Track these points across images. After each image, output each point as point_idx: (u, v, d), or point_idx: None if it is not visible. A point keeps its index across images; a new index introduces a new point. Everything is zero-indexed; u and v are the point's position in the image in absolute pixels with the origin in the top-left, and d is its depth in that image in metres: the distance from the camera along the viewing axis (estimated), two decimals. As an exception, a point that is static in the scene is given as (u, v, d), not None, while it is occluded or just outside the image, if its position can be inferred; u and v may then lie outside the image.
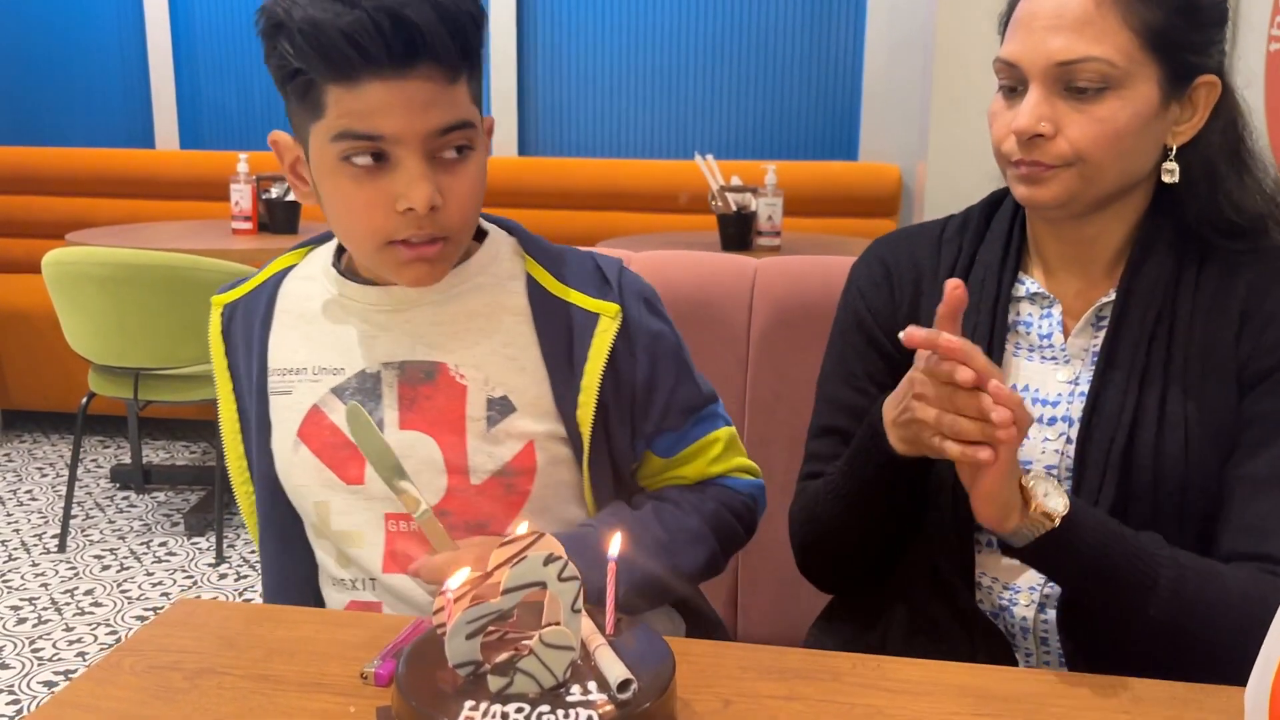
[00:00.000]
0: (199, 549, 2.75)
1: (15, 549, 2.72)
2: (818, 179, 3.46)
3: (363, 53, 0.81)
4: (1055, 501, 0.83)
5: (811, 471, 1.04)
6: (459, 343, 0.96)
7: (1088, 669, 0.80)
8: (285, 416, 0.97)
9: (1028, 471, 0.86)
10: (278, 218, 2.96)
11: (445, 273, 0.94)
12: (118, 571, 2.61)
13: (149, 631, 0.80)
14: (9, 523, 2.89)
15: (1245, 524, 0.87)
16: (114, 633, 2.31)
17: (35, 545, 2.75)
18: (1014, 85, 0.92)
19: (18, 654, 2.20)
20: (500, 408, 0.94)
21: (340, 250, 1.01)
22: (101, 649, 2.23)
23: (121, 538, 2.81)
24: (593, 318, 0.96)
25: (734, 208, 2.75)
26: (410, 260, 0.89)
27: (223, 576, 2.59)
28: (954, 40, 2.83)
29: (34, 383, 3.46)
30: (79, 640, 2.26)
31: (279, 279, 1.01)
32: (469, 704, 0.57)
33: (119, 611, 2.40)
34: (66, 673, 2.14)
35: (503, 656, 0.59)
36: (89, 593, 2.49)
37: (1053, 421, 0.95)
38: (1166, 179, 0.92)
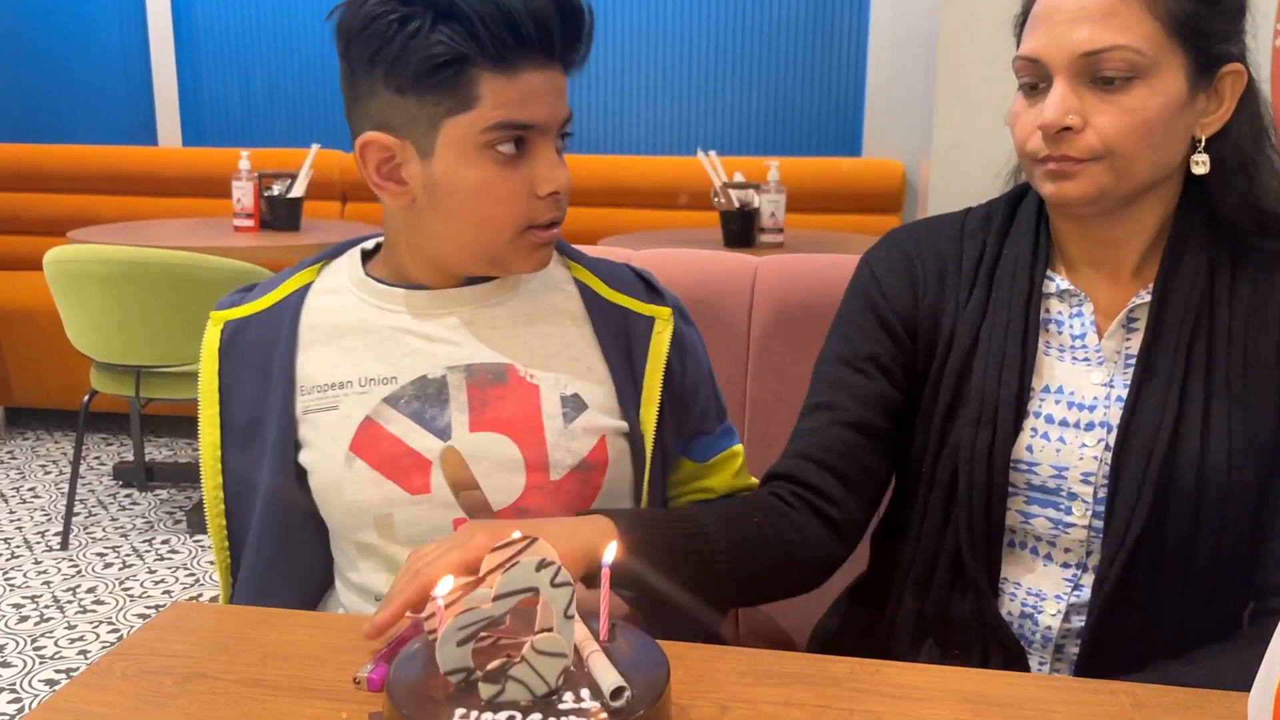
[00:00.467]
0: (201, 546, 2.75)
1: (18, 546, 2.72)
2: (821, 175, 3.45)
3: (541, 34, 0.86)
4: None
5: (796, 450, 1.01)
6: (521, 345, 0.97)
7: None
8: (331, 433, 0.94)
9: None
10: (279, 215, 2.96)
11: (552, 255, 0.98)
12: (120, 569, 2.61)
13: (141, 635, 0.80)
14: (12, 520, 2.89)
15: None
16: (116, 630, 2.31)
17: (38, 543, 2.75)
18: (1035, 82, 0.90)
19: (19, 652, 2.20)
20: (574, 404, 0.96)
21: (364, 259, 1.01)
22: (104, 647, 2.23)
23: (124, 535, 2.81)
24: (648, 321, 1.00)
25: (737, 204, 2.74)
26: (542, 244, 0.94)
27: (225, 574, 2.60)
28: (957, 36, 2.82)
29: (36, 380, 3.46)
30: (81, 638, 2.26)
31: (300, 297, 0.99)
32: (460, 711, 0.56)
33: (121, 609, 2.40)
34: (68, 671, 2.14)
35: (494, 663, 0.59)
36: (91, 590, 2.49)
37: (1090, 427, 0.93)
38: (1197, 170, 0.90)
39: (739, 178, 2.87)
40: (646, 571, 0.84)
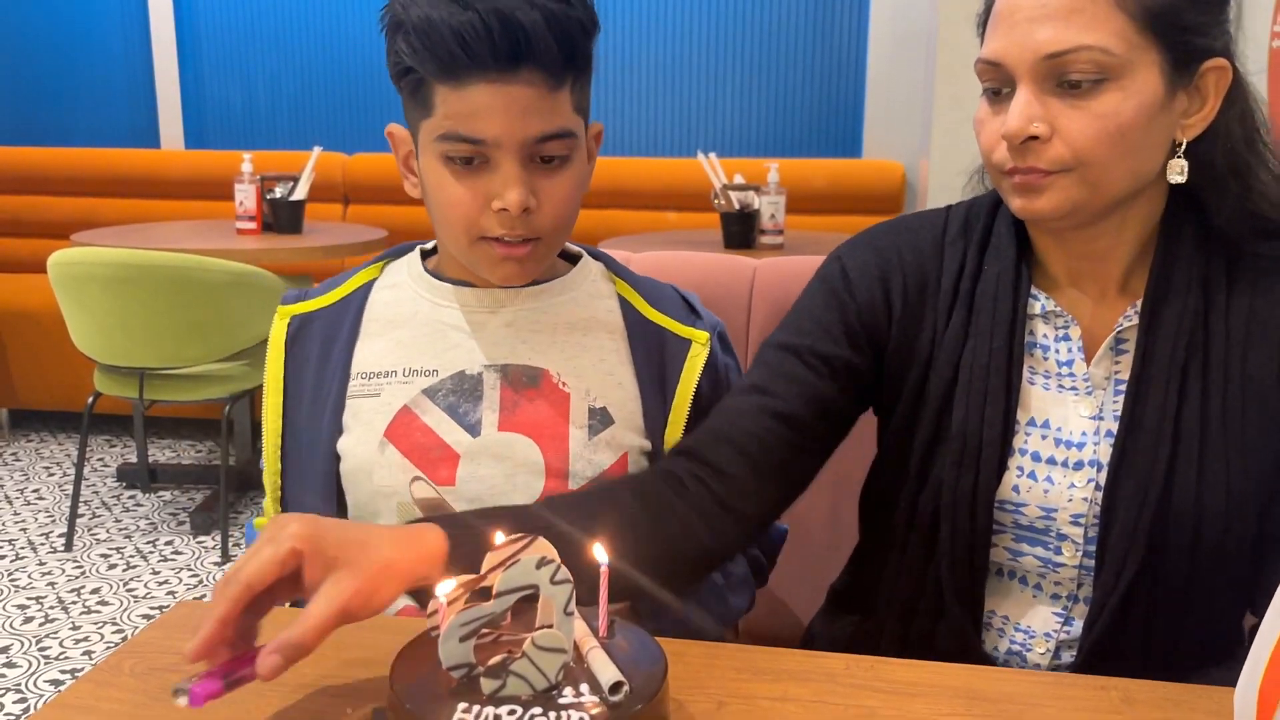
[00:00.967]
0: (205, 547, 2.76)
1: (22, 548, 2.74)
2: (821, 176, 3.46)
3: (469, 52, 0.85)
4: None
5: (716, 428, 0.92)
6: (558, 352, 0.98)
7: None
8: (369, 419, 0.96)
9: None
10: (282, 218, 2.97)
11: (535, 273, 0.97)
12: (124, 570, 2.62)
13: (150, 633, 0.81)
14: (16, 522, 2.91)
15: None
16: (120, 631, 2.32)
17: (42, 544, 2.76)
18: (999, 87, 0.83)
19: (25, 653, 2.21)
20: (601, 418, 0.97)
21: (424, 256, 1.04)
22: (108, 647, 2.25)
23: (128, 536, 2.82)
24: (685, 343, 1.01)
25: (737, 206, 2.75)
26: (502, 258, 0.93)
27: (228, 575, 2.61)
28: (956, 37, 2.83)
29: (40, 382, 3.48)
30: (85, 639, 2.28)
31: (365, 292, 1.02)
32: (462, 706, 0.58)
33: (125, 610, 2.41)
34: (73, 671, 2.16)
35: (495, 659, 0.60)
36: (95, 591, 2.50)
37: (1079, 466, 0.87)
38: (1174, 178, 0.83)
39: (739, 179, 2.88)
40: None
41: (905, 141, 3.50)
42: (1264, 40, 2.35)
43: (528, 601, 0.62)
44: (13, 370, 3.49)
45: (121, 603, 2.45)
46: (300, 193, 2.97)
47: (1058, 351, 0.90)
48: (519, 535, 0.65)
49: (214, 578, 2.60)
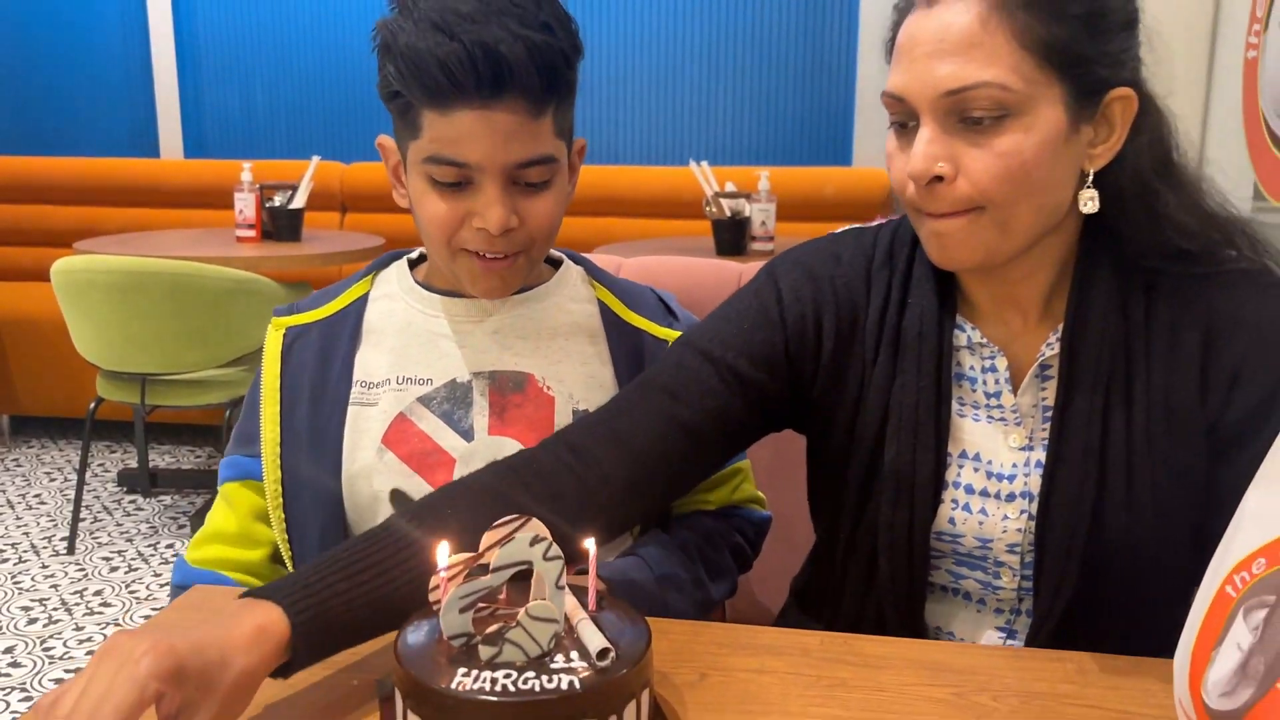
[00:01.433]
0: (205, 550, 2.80)
1: (25, 551, 2.78)
2: (812, 184, 3.52)
3: (454, 81, 0.87)
4: None
5: (612, 422, 0.89)
6: (542, 357, 1.03)
7: None
8: (367, 426, 1.00)
9: None
10: (281, 226, 3.02)
11: (517, 285, 1.01)
12: (126, 572, 2.66)
13: (164, 616, 0.86)
14: (19, 526, 2.95)
15: None
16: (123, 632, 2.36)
17: (45, 548, 2.80)
18: (905, 120, 0.81)
19: (29, 653, 2.25)
20: None
21: (411, 265, 1.08)
22: (111, 647, 2.28)
23: (129, 540, 2.86)
24: (662, 344, 1.05)
25: (728, 213, 2.80)
26: (483, 272, 0.97)
27: (228, 577, 2.65)
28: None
29: (41, 389, 3.51)
30: (89, 639, 2.32)
31: (361, 305, 1.06)
32: (462, 670, 0.63)
33: (128, 611, 2.46)
34: (78, 670, 2.20)
35: (492, 628, 0.65)
36: (98, 593, 2.54)
37: (1011, 498, 0.87)
38: (1085, 209, 0.82)
39: (730, 187, 2.93)
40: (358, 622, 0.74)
41: (894, 150, 3.55)
42: (1239, 49, 2.42)
43: (522, 578, 0.67)
44: (14, 377, 3.53)
45: (124, 604, 2.49)
46: (299, 201, 3.02)
47: (985, 383, 0.89)
48: (514, 516, 0.70)
49: (214, 579, 2.64)
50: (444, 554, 0.69)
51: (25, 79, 4.08)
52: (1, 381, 3.52)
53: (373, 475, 0.99)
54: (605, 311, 1.08)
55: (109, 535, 2.89)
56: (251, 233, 3.01)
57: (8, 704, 2.04)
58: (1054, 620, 0.85)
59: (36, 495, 3.18)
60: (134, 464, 3.35)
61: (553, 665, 0.64)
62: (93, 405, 2.74)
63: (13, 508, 3.08)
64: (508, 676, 0.63)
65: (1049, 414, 0.86)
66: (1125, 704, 0.74)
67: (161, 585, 2.60)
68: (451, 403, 1.01)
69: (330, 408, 1.01)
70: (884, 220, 0.97)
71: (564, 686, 0.62)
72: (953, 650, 0.83)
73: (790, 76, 3.74)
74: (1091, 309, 0.84)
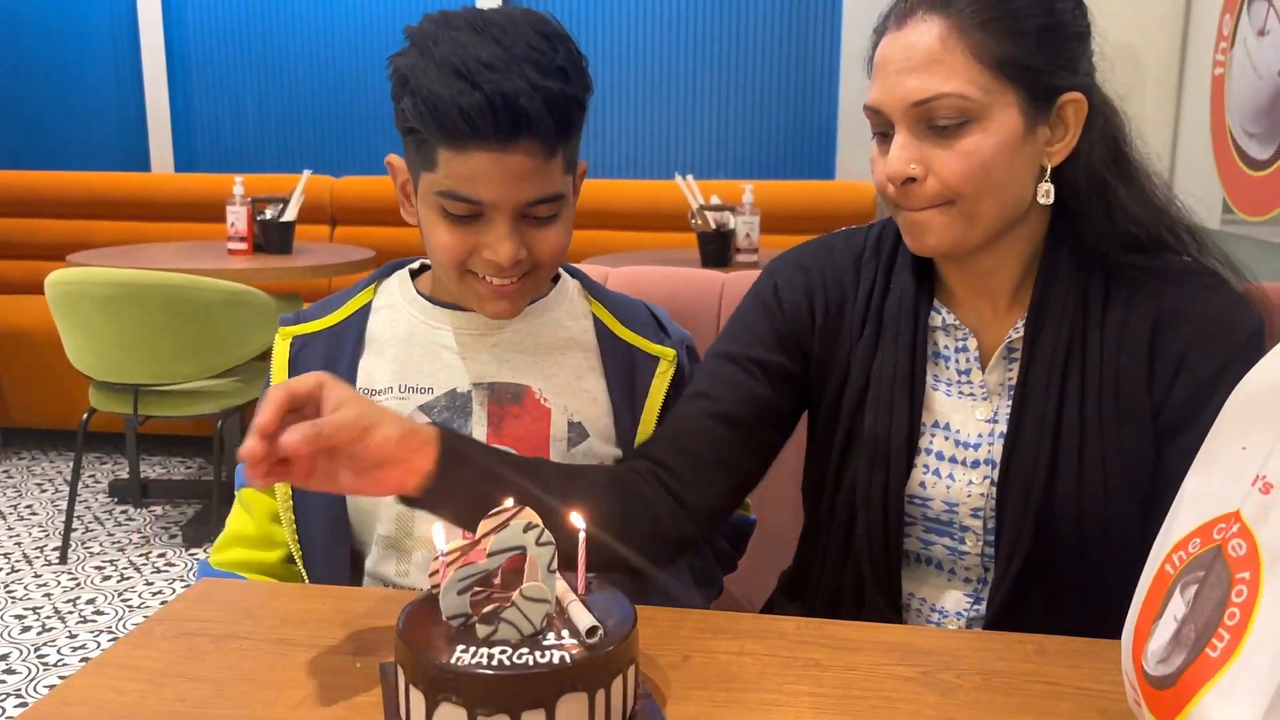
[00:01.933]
0: (196, 559, 2.83)
1: (18, 561, 2.80)
2: (796, 197, 3.58)
3: (473, 126, 0.90)
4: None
5: (662, 433, 1.03)
6: (539, 370, 1.07)
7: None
8: None
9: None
10: (272, 239, 3.05)
11: (525, 305, 1.06)
12: (118, 581, 2.69)
13: (175, 606, 0.90)
14: (10, 536, 2.97)
15: None
16: (117, 639, 2.38)
17: (37, 557, 2.83)
18: (883, 130, 0.92)
19: (23, 660, 2.28)
20: (577, 431, 1.06)
21: (414, 274, 1.12)
22: (105, 654, 2.31)
23: (121, 549, 2.89)
24: (653, 360, 1.10)
25: (713, 225, 2.86)
26: (492, 296, 1.00)
27: (220, 585, 2.68)
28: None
29: (33, 401, 3.54)
30: (83, 646, 2.35)
31: (365, 313, 1.09)
32: (460, 647, 0.67)
33: (121, 619, 2.48)
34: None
35: (489, 609, 0.70)
36: (91, 602, 2.57)
37: (976, 464, 0.96)
38: (1043, 200, 0.92)
39: (715, 200, 2.98)
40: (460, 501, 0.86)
41: (875, 164, 3.62)
42: (1207, 67, 2.49)
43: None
44: (6, 390, 3.56)
45: (117, 612, 2.52)
46: (290, 214, 3.06)
47: (957, 361, 0.99)
48: (508, 505, 0.74)
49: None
50: (441, 538, 0.73)
51: (17, 93, 4.11)
52: (-7, 393, 3.55)
53: None
54: (600, 326, 1.12)
55: (100, 545, 2.91)
56: (243, 245, 3.04)
57: (4, 709, 2.07)
58: (1008, 584, 0.93)
59: (28, 506, 3.20)
60: (125, 475, 3.38)
61: (545, 642, 0.69)
62: (85, 416, 2.76)
63: (4, 518, 3.10)
64: (503, 652, 0.67)
65: (1013, 392, 0.95)
66: (1080, 680, 0.79)
67: (154, 594, 2.62)
68: (451, 411, 1.05)
69: None
70: (875, 221, 1.08)
71: (555, 661, 0.66)
72: (920, 633, 0.88)
73: (774, 92, 3.81)
74: (1053, 297, 0.94)
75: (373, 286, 1.13)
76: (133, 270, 2.56)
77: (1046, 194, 0.92)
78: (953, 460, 0.97)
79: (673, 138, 3.89)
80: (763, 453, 1.03)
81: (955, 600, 0.99)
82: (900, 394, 0.97)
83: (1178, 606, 0.64)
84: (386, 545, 1.05)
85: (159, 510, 3.18)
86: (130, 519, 3.11)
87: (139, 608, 2.54)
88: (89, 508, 3.19)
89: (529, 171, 0.94)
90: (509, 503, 0.75)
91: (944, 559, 1.00)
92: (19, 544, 2.91)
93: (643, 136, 3.90)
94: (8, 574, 2.72)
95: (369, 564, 1.06)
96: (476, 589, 0.72)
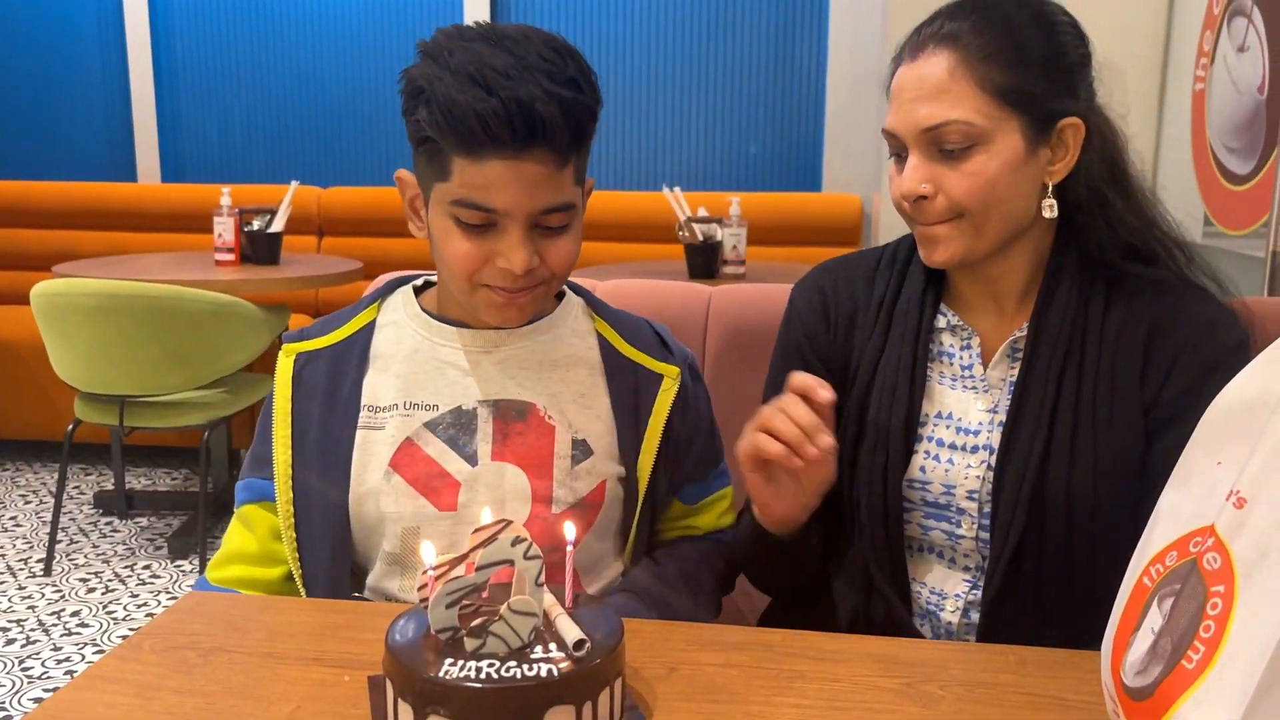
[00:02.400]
0: (182, 571, 2.82)
1: (1, 573, 2.78)
2: (782, 209, 3.60)
3: (490, 134, 0.92)
4: None
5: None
6: (543, 388, 1.08)
7: None
8: (375, 450, 1.04)
9: None
10: (259, 249, 3.05)
11: (532, 314, 1.06)
12: (103, 594, 2.67)
13: (163, 619, 0.91)
14: (-5, 548, 2.95)
15: None
16: (101, 651, 2.38)
17: (21, 569, 2.81)
18: (899, 151, 1.01)
19: (7, 673, 2.27)
20: (582, 449, 1.07)
21: (417, 291, 1.12)
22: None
23: (105, 561, 2.88)
24: (657, 378, 1.11)
25: (700, 238, 2.87)
26: (503, 305, 1.01)
27: (206, 597, 2.67)
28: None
29: (18, 412, 3.52)
30: (67, 659, 2.33)
31: (368, 332, 1.10)
32: (449, 660, 0.68)
33: (105, 632, 2.47)
34: (56, 689, 2.21)
35: (477, 622, 0.70)
36: (75, 614, 2.56)
37: (975, 450, 1.03)
38: (1046, 214, 1.00)
39: (703, 212, 3.00)
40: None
41: (862, 176, 3.65)
42: (1187, 84, 2.52)
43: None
44: (-10, 400, 3.54)
45: (102, 624, 2.51)
46: (278, 225, 3.06)
47: (961, 358, 1.07)
48: (497, 520, 0.75)
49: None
50: (430, 553, 0.74)
51: (3, 103, 4.10)
52: (-23, 404, 3.53)
53: (380, 496, 1.03)
54: (604, 344, 1.12)
55: (85, 557, 2.90)
56: (230, 256, 3.04)
57: (-14, 723, 2.06)
58: (1003, 565, 0.99)
59: (12, 518, 3.18)
60: (110, 486, 3.36)
61: (532, 655, 0.69)
62: (70, 427, 2.75)
63: (-12, 530, 3.08)
64: (491, 665, 0.68)
65: (1014, 386, 1.02)
66: (1061, 691, 0.80)
67: (139, 606, 2.61)
68: (457, 428, 1.05)
69: (340, 431, 1.05)
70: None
71: (543, 674, 0.67)
72: (903, 645, 0.89)
73: (762, 106, 3.84)
74: (1056, 301, 1.02)
75: (376, 304, 1.13)
76: (119, 281, 2.56)
77: (1050, 208, 1.00)
78: (953, 447, 1.04)
79: (660, 150, 3.91)
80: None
81: (954, 584, 1.04)
82: (901, 385, 1.05)
83: (1155, 619, 0.65)
84: (391, 561, 1.05)
85: (144, 522, 3.17)
86: (115, 530, 3.10)
87: (124, 620, 2.53)
88: (73, 519, 3.17)
89: (542, 179, 0.95)
90: (486, 516, 0.75)
91: (943, 545, 1.05)
92: (3, 556, 2.90)
93: (631, 149, 3.91)
94: (-9, 586, 2.71)
95: (371, 579, 1.07)
96: (465, 603, 0.72)
